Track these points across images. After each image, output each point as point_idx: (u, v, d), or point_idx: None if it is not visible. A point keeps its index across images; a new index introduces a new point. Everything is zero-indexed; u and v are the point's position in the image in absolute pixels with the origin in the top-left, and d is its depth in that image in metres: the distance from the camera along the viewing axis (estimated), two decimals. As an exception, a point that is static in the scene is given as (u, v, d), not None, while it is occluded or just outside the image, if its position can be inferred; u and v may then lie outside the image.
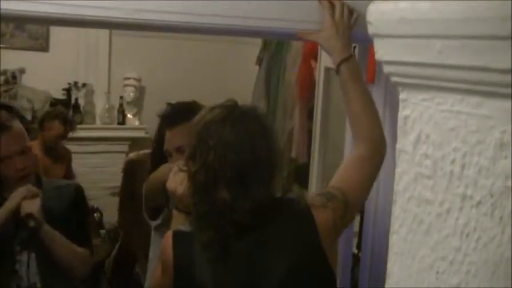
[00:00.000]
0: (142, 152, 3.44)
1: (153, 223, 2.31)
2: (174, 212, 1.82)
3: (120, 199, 3.50)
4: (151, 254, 2.46)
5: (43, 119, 4.09)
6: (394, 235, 0.73)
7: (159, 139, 2.44)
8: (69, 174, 4.33)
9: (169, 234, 1.63)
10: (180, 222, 1.75)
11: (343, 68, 1.69)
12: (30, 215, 2.04)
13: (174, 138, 2.25)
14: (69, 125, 4.19)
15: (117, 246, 3.64)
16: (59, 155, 4.20)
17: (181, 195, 1.74)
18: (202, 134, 1.56)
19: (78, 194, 2.34)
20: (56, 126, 4.08)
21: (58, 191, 2.24)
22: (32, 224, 2.04)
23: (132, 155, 3.53)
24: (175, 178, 1.77)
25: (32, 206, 2.05)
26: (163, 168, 2.21)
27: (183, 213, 1.77)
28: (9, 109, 2.29)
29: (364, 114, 1.68)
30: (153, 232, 2.38)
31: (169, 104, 2.39)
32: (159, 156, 2.94)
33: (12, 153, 2.10)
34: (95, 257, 3.43)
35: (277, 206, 1.59)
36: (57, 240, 2.12)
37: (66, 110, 4.72)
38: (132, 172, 3.28)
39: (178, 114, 2.30)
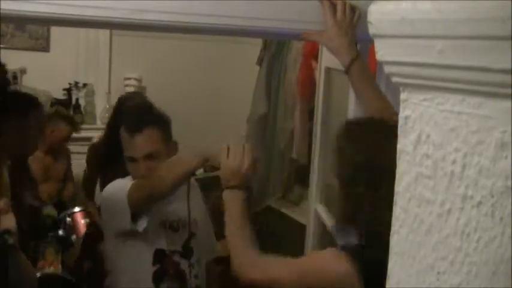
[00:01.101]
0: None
1: (140, 226, 2.16)
2: (227, 192, 1.75)
3: (85, 182, 3.70)
4: (123, 264, 2.31)
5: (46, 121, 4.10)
6: (395, 235, 0.73)
7: (115, 142, 2.37)
8: (68, 175, 4.34)
9: (337, 253, 1.52)
10: (238, 201, 1.71)
11: (354, 68, 1.66)
12: (8, 231, 1.82)
13: (142, 144, 2.17)
14: (74, 125, 4.22)
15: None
16: (60, 154, 4.21)
17: (247, 169, 1.71)
18: (357, 155, 1.50)
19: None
20: (62, 128, 4.09)
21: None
22: (11, 241, 1.82)
23: (97, 140, 3.72)
24: (235, 154, 1.72)
25: (9, 222, 1.84)
26: (156, 176, 2.09)
27: (240, 191, 1.73)
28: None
29: (385, 113, 1.62)
30: (131, 240, 2.23)
31: (123, 102, 2.33)
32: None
33: None
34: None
35: None
36: (24, 261, 1.96)
37: (68, 111, 4.74)
38: (98, 156, 3.41)
39: (142, 117, 2.25)
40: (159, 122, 2.27)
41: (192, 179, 2.39)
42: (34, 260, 3.09)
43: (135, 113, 2.36)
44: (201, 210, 2.42)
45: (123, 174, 2.86)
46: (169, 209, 2.28)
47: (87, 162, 3.70)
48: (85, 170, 3.77)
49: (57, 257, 3.32)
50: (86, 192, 3.78)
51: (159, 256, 2.26)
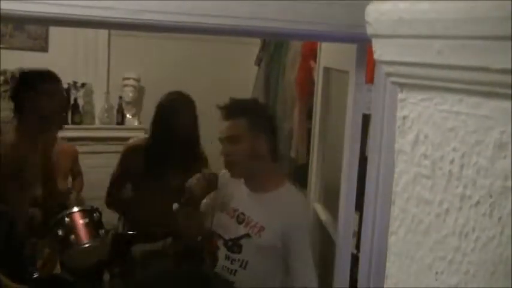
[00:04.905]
0: (140, 138, 3.56)
1: None
2: None
3: (113, 180, 3.59)
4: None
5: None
6: (393, 235, 0.73)
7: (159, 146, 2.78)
8: (76, 170, 4.36)
9: None
10: None
11: None
12: None
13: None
14: None
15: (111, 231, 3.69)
16: (64, 151, 4.23)
17: None
18: None
19: (14, 223, 2.28)
20: None
21: None
22: None
23: (131, 141, 3.66)
24: None
25: None
26: None
27: None
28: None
29: None
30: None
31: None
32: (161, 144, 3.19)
33: None
34: (95, 257, 3.44)
35: None
36: None
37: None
38: (131, 157, 3.39)
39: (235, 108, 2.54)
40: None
41: (296, 191, 2.58)
42: (33, 260, 3.08)
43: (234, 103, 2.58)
44: (283, 223, 2.39)
45: (158, 183, 2.92)
46: (246, 204, 2.50)
47: (122, 160, 3.52)
48: (115, 171, 3.57)
49: (56, 257, 3.32)
50: (110, 195, 3.60)
51: (209, 233, 2.59)
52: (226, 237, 2.47)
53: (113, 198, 3.59)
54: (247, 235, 2.41)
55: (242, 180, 2.54)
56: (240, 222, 2.45)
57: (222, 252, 2.47)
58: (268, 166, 2.49)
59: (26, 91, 2.77)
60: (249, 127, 2.46)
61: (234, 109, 2.51)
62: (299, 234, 2.38)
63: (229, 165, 2.51)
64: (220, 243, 2.49)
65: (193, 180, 2.58)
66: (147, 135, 3.68)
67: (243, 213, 2.47)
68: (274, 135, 2.57)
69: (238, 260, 2.42)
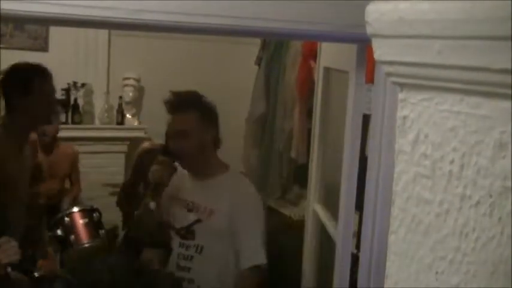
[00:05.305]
0: (154, 142, 3.58)
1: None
2: None
3: (127, 181, 3.60)
4: None
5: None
6: (393, 235, 0.73)
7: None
8: (74, 175, 4.35)
9: None
10: None
11: None
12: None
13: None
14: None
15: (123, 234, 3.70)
16: (63, 153, 4.22)
17: None
18: None
19: (12, 222, 2.30)
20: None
21: None
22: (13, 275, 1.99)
23: (146, 144, 3.67)
24: None
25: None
26: None
27: None
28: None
29: None
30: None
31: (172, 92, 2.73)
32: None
33: None
34: (95, 257, 3.44)
35: None
36: None
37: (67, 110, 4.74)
38: (145, 159, 3.40)
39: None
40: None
41: (241, 176, 2.74)
42: (33, 260, 3.08)
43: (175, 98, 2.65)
44: (231, 205, 2.49)
45: None
46: (193, 192, 2.59)
47: (134, 167, 3.51)
48: (130, 173, 3.57)
49: (56, 256, 3.32)
50: (122, 200, 3.56)
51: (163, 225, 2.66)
52: (178, 226, 2.56)
53: (124, 198, 3.59)
54: (198, 220, 2.51)
55: (185, 170, 2.62)
56: (190, 210, 2.55)
57: (176, 241, 2.55)
58: (212, 154, 2.60)
59: (16, 87, 2.71)
60: (197, 120, 2.54)
61: (181, 103, 2.58)
62: (246, 215, 2.48)
63: (181, 158, 2.56)
64: (173, 233, 2.57)
65: (153, 168, 2.61)
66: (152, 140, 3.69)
67: (192, 202, 2.55)
68: (217, 124, 2.64)
69: (194, 245, 2.51)
